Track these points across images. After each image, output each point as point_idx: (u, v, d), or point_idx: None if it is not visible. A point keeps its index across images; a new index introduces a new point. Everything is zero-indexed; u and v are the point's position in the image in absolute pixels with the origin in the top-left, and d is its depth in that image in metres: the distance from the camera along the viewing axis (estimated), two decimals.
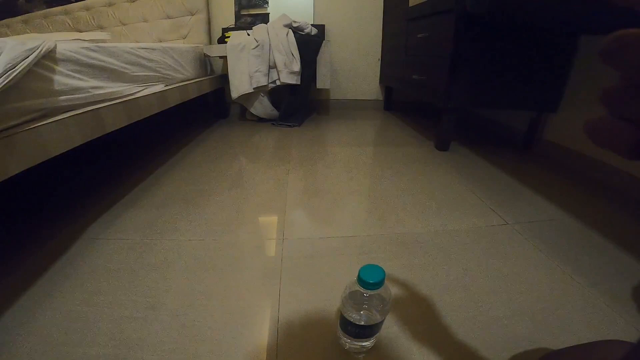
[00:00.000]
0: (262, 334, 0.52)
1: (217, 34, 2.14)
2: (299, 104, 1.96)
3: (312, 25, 1.92)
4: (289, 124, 1.89)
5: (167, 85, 1.30)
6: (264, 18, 2.14)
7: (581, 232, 0.81)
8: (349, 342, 0.48)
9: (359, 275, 0.42)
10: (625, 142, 0.15)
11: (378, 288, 0.42)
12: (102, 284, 0.63)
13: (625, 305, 0.58)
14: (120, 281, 0.63)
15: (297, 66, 1.75)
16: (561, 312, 0.57)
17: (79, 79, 0.80)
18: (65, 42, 0.78)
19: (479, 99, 1.31)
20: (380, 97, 2.47)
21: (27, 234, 0.80)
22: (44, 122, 0.66)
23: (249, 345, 0.50)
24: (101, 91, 0.88)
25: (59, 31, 2.10)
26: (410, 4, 1.62)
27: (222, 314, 0.56)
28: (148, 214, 0.89)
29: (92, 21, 2.12)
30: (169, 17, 2.06)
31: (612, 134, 0.15)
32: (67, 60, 0.76)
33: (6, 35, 2.13)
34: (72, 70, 0.78)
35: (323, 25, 2.11)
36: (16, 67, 0.58)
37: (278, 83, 1.81)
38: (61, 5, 2.14)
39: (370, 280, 0.41)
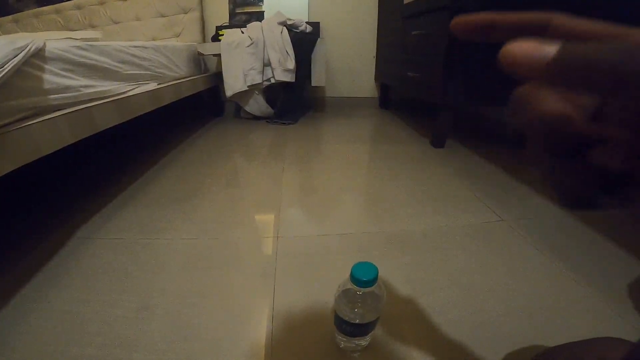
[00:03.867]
0: (256, 332, 0.52)
1: (211, 32, 2.12)
2: (294, 101, 1.95)
3: (306, 22, 1.91)
4: (285, 121, 1.88)
5: (160, 84, 1.29)
6: (259, 16, 2.13)
7: (578, 229, 0.81)
8: (344, 341, 0.48)
9: (351, 273, 0.42)
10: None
11: (371, 286, 0.42)
12: (95, 283, 0.62)
13: (622, 303, 0.58)
14: (113, 281, 0.63)
15: (291, 64, 1.74)
16: (558, 309, 0.57)
17: (70, 77, 0.79)
18: (55, 41, 0.77)
19: (475, 96, 1.31)
20: (376, 95, 2.47)
21: (19, 234, 0.79)
22: (35, 121, 0.65)
23: (244, 344, 0.50)
24: (92, 90, 0.87)
25: (50, 30, 2.08)
26: (405, 1, 1.61)
27: (217, 313, 0.56)
28: (142, 213, 0.88)
29: (84, 20, 2.09)
30: (162, 16, 2.04)
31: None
32: (57, 59, 0.75)
33: None
34: (62, 69, 0.77)
35: (318, 23, 2.10)
36: (4, 67, 0.57)
37: (273, 81, 1.81)
38: (52, 4, 2.11)
39: (363, 277, 0.41)
